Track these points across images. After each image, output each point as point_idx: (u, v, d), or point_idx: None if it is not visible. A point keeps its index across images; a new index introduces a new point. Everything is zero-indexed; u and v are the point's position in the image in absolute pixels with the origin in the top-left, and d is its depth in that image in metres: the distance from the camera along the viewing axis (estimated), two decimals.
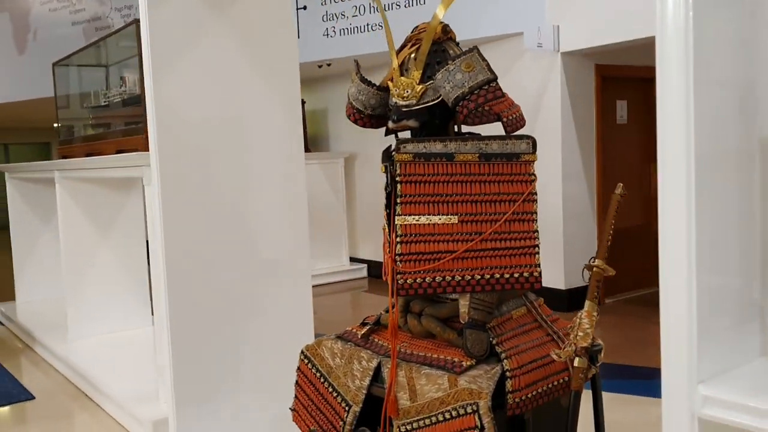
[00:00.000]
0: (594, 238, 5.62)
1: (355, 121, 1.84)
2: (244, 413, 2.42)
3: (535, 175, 1.63)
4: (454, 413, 1.48)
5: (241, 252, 2.44)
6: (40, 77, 6.53)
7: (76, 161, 4.18)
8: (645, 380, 3.61)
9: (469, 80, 1.58)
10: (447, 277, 1.60)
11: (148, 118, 2.27)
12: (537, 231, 1.61)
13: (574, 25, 5.16)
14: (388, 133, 1.92)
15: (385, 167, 1.68)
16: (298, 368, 1.92)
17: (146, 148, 3.36)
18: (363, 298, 6.62)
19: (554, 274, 5.46)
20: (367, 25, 6.13)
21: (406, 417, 1.59)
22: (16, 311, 5.54)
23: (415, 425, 1.56)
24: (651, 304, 5.37)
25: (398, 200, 1.62)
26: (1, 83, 7.61)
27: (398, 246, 1.62)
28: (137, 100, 3.55)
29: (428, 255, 1.61)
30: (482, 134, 1.67)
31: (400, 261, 1.62)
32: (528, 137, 1.62)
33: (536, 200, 1.62)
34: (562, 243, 5.41)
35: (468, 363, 1.57)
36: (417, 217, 1.62)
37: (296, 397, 1.95)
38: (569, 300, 5.41)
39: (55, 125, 5.50)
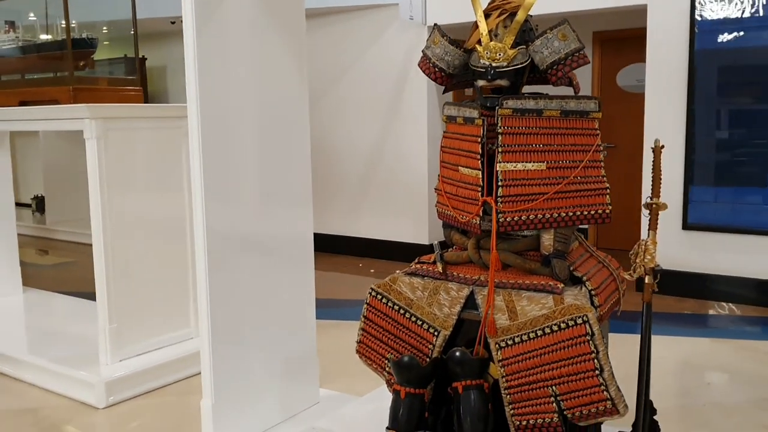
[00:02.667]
0: None
1: (435, 79, 2.04)
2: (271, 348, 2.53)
3: (599, 130, 1.96)
4: (563, 325, 1.77)
5: (265, 213, 2.52)
6: None
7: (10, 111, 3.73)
8: None
9: (565, 48, 1.86)
10: (539, 215, 1.89)
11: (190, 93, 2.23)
12: (605, 176, 1.94)
13: (441, 0, 5.58)
14: (448, 90, 2.15)
15: (482, 121, 1.91)
16: (368, 304, 2.09)
17: (70, 100, 3.19)
18: None
19: (420, 231, 5.92)
20: None
21: (505, 334, 1.86)
22: None
23: (517, 340, 1.84)
24: None
25: (500, 149, 1.87)
26: None
27: (500, 189, 1.88)
28: (61, 46, 3.30)
29: (524, 197, 1.88)
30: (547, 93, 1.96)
31: (501, 202, 1.88)
32: (595, 98, 1.94)
33: (602, 150, 1.96)
34: (427, 202, 5.86)
35: (561, 286, 1.88)
36: (515, 164, 1.88)
37: (364, 330, 2.12)
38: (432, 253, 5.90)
39: None
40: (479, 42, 1.94)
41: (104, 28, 4.27)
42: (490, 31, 1.93)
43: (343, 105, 6.20)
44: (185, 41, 2.20)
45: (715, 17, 4.58)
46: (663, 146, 1.97)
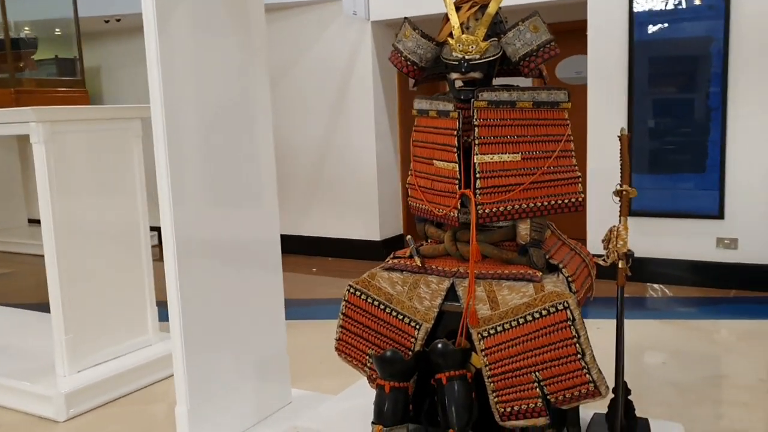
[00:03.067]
0: (399, 193, 6.20)
1: (408, 73, 2.05)
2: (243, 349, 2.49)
3: (569, 121, 2.01)
4: (544, 312, 1.81)
5: (233, 215, 2.48)
6: None
7: None
8: None
9: (537, 39, 1.90)
10: (516, 205, 1.92)
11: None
12: (576, 165, 1.99)
13: None
14: (418, 83, 2.16)
15: (458, 113, 1.93)
16: (346, 301, 2.09)
17: (12, 104, 3.07)
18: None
19: (371, 227, 5.92)
20: None
21: (487, 324, 1.89)
22: None
23: (499, 329, 1.87)
24: None
25: (477, 141, 1.90)
26: None
27: (478, 181, 1.90)
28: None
29: (501, 188, 1.91)
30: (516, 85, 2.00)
31: (480, 194, 1.90)
32: (564, 89, 1.99)
33: (572, 140, 2.00)
34: (377, 198, 5.88)
35: (540, 274, 1.92)
36: (491, 156, 1.91)
37: (343, 328, 2.11)
38: (385, 249, 5.93)
39: None
40: (451, 35, 1.96)
41: (26, 28, 4.11)
42: (461, 24, 1.95)
43: (288, 102, 6.14)
44: (147, 42, 2.14)
45: (647, 9, 4.74)
46: (630, 135, 2.04)
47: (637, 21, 4.80)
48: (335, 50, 5.87)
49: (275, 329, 2.68)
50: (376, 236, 5.91)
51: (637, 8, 4.77)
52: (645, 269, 4.83)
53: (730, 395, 3.13)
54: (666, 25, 4.74)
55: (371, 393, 2.36)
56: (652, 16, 4.76)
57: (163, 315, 3.66)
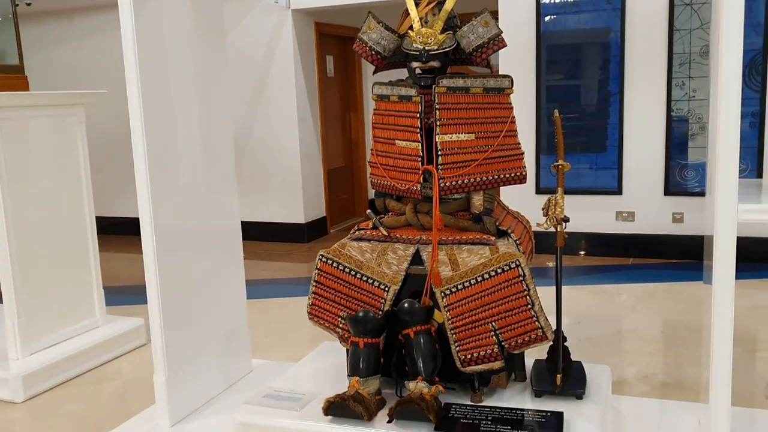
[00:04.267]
0: (321, 177, 6.39)
1: (372, 62, 2.27)
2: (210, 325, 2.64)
3: (512, 104, 2.29)
4: (498, 270, 2.09)
5: (201, 203, 2.62)
6: None
7: None
8: None
9: (488, 33, 2.17)
10: (472, 179, 2.19)
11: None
12: (520, 143, 2.28)
13: None
14: (378, 70, 2.39)
15: (420, 98, 2.17)
16: (318, 269, 2.30)
17: None
18: None
19: (295, 211, 6.10)
20: None
21: (449, 283, 2.15)
22: None
23: (460, 287, 2.13)
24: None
25: (438, 123, 2.15)
26: None
27: (440, 158, 2.15)
28: None
29: (459, 164, 2.17)
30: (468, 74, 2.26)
31: (441, 169, 2.16)
32: (508, 76, 2.26)
33: (515, 121, 2.29)
34: (301, 183, 6.05)
35: (494, 238, 2.20)
36: (450, 136, 2.17)
37: (316, 294, 2.32)
38: (308, 231, 6.12)
39: None
40: (411, 28, 2.19)
41: None
42: (420, 18, 2.19)
43: None
44: (123, 34, 2.25)
45: (553, 1, 5.16)
46: (562, 116, 2.35)
47: (543, 12, 5.20)
48: (256, 37, 5.97)
49: (237, 305, 2.85)
50: (300, 219, 6.09)
51: (543, 0, 5.17)
52: (552, 242, 5.26)
53: (637, 346, 3.57)
54: (570, 16, 5.17)
55: (330, 357, 2.61)
56: (558, 7, 5.18)
57: (109, 299, 3.74)
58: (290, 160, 6.04)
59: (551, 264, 5.42)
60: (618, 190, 5.23)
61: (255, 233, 6.23)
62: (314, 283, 2.32)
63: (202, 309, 2.62)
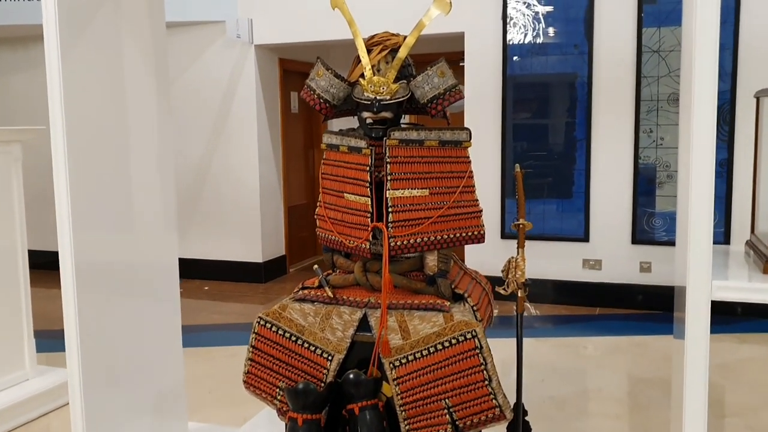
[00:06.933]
0: (281, 215, 6.19)
1: (320, 110, 2.09)
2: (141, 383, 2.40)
3: (470, 158, 2.13)
4: (453, 341, 1.91)
5: (131, 241, 2.40)
6: None
7: None
8: None
9: (444, 83, 2.01)
10: (425, 238, 2.01)
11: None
12: (477, 200, 2.11)
13: (266, 21, 5.61)
14: (328, 119, 2.22)
15: (371, 150, 2.00)
16: (256, 333, 2.09)
17: None
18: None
19: (253, 249, 5.88)
20: None
21: (399, 353, 1.96)
22: None
23: (411, 358, 1.94)
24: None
25: (389, 177, 1.97)
26: None
27: (390, 215, 1.97)
28: None
29: (411, 221, 2.00)
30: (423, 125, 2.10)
31: (392, 227, 1.98)
32: (466, 129, 2.10)
33: (473, 176, 2.12)
34: (260, 220, 5.84)
35: (448, 304, 2.01)
36: (402, 191, 1.99)
37: (253, 360, 2.11)
38: (265, 271, 5.90)
39: None
40: (362, 76, 2.03)
41: None
42: (372, 66, 2.03)
43: None
44: (48, 64, 2.06)
45: (519, 43, 5.07)
46: (524, 171, 2.19)
47: (510, 54, 5.11)
48: (217, 72, 5.80)
49: (173, 360, 2.62)
50: (258, 258, 5.86)
51: (510, 42, 5.08)
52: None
53: (603, 408, 3.39)
54: (536, 59, 5.08)
55: (273, 425, 2.37)
56: (524, 51, 5.09)
57: (40, 346, 3.48)
58: (249, 196, 5.84)
59: (526, 313, 5.29)
60: (585, 237, 5.11)
61: (211, 272, 5.99)
62: (251, 349, 2.11)
63: (130, 363, 2.38)
